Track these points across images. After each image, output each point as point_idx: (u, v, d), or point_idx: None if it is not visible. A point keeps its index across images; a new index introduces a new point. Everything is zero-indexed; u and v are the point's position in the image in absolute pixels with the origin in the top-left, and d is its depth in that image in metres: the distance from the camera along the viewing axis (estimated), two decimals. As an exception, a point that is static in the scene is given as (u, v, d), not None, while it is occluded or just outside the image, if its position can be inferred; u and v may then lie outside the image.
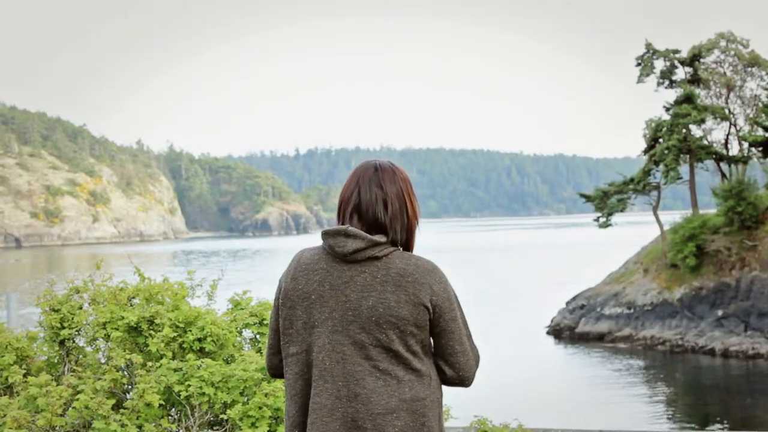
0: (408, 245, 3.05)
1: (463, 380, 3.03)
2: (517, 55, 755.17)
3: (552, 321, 41.86)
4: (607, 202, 43.98)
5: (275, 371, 3.16)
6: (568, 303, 42.47)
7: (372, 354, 2.86)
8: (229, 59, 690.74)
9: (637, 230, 69.81)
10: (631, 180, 43.37)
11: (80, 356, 6.01)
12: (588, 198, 45.20)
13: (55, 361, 6.08)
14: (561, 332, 40.22)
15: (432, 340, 3.02)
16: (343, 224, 2.98)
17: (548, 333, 40.96)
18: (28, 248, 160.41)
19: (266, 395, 5.13)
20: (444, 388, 3.09)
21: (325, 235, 2.97)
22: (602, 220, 44.34)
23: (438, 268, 3.00)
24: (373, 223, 2.96)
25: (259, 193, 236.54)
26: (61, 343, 6.05)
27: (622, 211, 44.18)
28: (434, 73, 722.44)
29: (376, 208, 2.97)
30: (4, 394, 5.69)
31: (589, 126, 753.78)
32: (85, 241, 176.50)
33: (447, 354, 2.99)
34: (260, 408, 5.09)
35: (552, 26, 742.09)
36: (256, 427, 5.08)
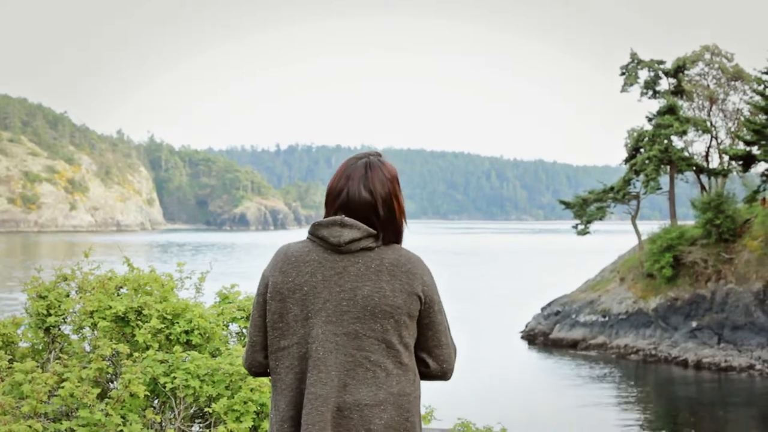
0: (396, 243, 3.07)
1: (445, 372, 3.04)
2: (504, 56, 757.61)
3: (527, 326, 42.00)
4: (586, 209, 44.22)
5: (257, 368, 3.11)
6: (543, 309, 42.62)
7: (365, 345, 2.87)
8: (215, 56, 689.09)
9: (615, 239, 70.21)
10: (611, 189, 43.61)
11: (65, 344, 5.99)
12: (567, 205, 45.44)
13: (40, 348, 6.07)
14: (535, 337, 40.36)
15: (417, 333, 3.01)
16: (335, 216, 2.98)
17: (522, 338, 41.10)
18: (4, 234, 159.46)
19: (252, 390, 5.14)
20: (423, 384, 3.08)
21: (318, 226, 2.96)
22: (581, 227, 44.59)
23: (423, 261, 3.03)
24: (364, 222, 2.96)
25: (238, 188, 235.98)
26: (47, 330, 6.03)
27: (600, 219, 44.43)
28: (415, 72, 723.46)
29: (366, 212, 2.97)
30: (-12, 379, 5.66)
31: (570, 133, 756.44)
32: (61, 228, 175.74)
33: (433, 346, 2.99)
34: (245, 403, 5.09)
35: (541, 29, 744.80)
36: (241, 422, 5.08)
